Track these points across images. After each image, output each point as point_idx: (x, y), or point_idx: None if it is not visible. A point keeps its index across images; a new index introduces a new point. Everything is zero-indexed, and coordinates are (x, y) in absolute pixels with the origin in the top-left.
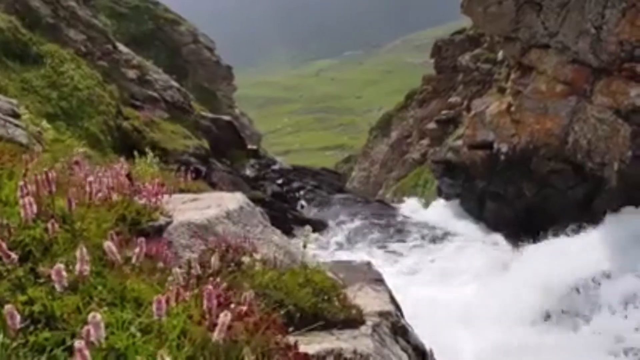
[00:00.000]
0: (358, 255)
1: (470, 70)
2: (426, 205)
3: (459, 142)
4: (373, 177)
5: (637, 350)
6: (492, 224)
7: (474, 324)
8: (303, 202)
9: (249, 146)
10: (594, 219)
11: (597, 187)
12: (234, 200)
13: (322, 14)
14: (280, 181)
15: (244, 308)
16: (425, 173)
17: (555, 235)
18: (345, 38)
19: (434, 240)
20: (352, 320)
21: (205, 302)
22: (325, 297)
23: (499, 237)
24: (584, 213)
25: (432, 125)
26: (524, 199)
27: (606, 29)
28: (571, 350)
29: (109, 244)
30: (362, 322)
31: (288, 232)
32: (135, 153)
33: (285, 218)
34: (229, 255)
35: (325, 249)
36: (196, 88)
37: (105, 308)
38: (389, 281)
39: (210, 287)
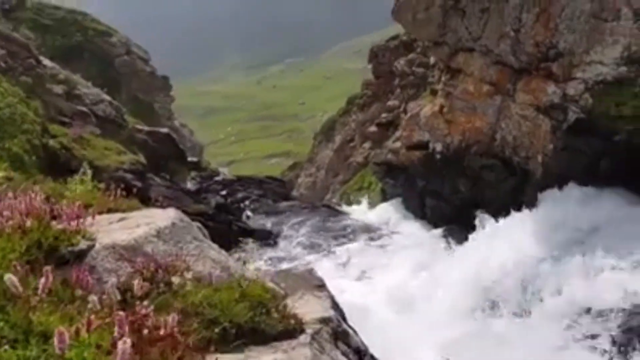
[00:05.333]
0: (305, 261)
1: (406, 75)
2: (371, 207)
3: (398, 144)
4: (319, 183)
5: (576, 330)
6: (433, 221)
7: (418, 317)
8: (248, 213)
9: (190, 158)
10: (524, 208)
11: (525, 179)
12: (165, 216)
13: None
14: (224, 192)
15: (161, 331)
16: (369, 175)
17: (489, 226)
18: (285, 46)
19: (379, 240)
20: (292, 331)
21: (116, 329)
22: (263, 310)
23: (439, 233)
24: (514, 204)
25: (373, 128)
26: (459, 194)
27: (524, 32)
28: (513, 335)
29: (9, 277)
30: (302, 331)
31: (234, 244)
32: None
33: (230, 230)
34: (158, 276)
35: (271, 258)
36: (131, 100)
37: (7, 347)
38: (335, 285)
39: (121, 313)
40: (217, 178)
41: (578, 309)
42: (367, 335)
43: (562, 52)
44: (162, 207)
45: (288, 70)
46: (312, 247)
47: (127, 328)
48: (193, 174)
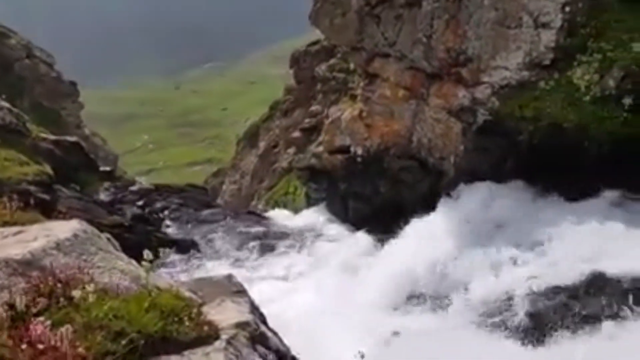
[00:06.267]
0: (227, 268)
1: (327, 80)
2: (296, 211)
3: (320, 149)
4: (245, 189)
5: (488, 318)
6: (356, 223)
7: (343, 315)
8: (168, 222)
9: (103, 168)
10: (439, 206)
11: (439, 179)
12: (66, 228)
13: (176, 26)
14: (141, 203)
15: (41, 346)
16: (294, 181)
17: (408, 225)
18: (203, 50)
19: (302, 244)
20: (206, 337)
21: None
22: (176, 319)
23: (361, 234)
24: (431, 203)
25: (296, 134)
26: (380, 195)
27: (435, 38)
28: (431, 328)
29: None
30: (217, 337)
31: (154, 255)
32: None
33: (149, 241)
34: (58, 290)
35: (192, 267)
36: (35, 107)
37: None
38: (257, 289)
39: None
40: (133, 188)
41: (489, 299)
42: (289, 337)
43: (470, 58)
44: (70, 219)
45: (208, 75)
46: (235, 254)
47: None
48: (106, 184)
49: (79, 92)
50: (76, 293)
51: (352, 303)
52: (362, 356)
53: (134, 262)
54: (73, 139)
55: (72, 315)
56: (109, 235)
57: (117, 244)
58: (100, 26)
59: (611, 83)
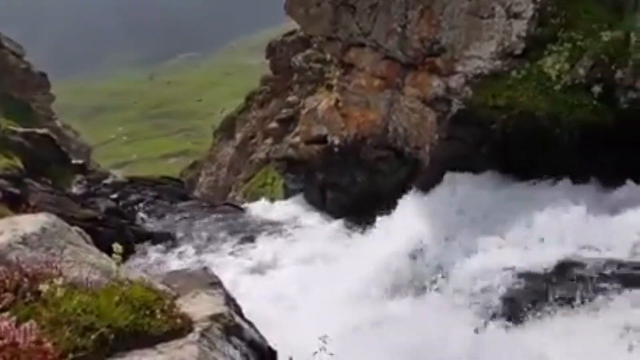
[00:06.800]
0: (203, 260)
1: (304, 70)
2: (273, 202)
3: (297, 139)
4: (222, 181)
5: (466, 305)
6: (334, 213)
7: (321, 306)
8: (143, 215)
9: (75, 161)
10: (416, 195)
11: (416, 168)
12: (33, 222)
13: (150, 16)
14: (114, 196)
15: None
16: (272, 172)
17: (386, 214)
18: (178, 40)
19: (280, 235)
20: (179, 330)
21: None
22: (147, 312)
23: (339, 224)
24: (408, 192)
25: (273, 124)
26: (357, 185)
27: (409, 28)
28: (409, 316)
29: None
30: (191, 330)
31: (130, 248)
32: None
33: (123, 235)
34: (25, 285)
35: (167, 260)
36: (4, 100)
37: None
38: (234, 281)
39: None
40: (106, 181)
41: (465, 286)
42: (265, 328)
43: (444, 48)
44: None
45: (183, 65)
46: (211, 246)
47: None
48: (79, 177)
49: (49, 84)
50: (44, 287)
51: (329, 292)
52: (325, 343)
53: (105, 255)
54: (43, 131)
55: (39, 311)
56: (79, 229)
57: (88, 237)
58: (72, 16)
59: (581, 72)
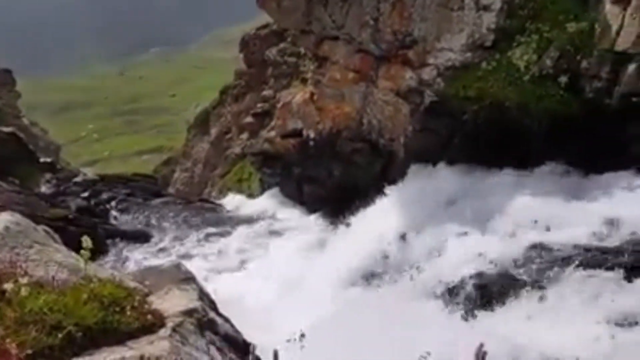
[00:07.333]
0: (178, 256)
1: (278, 64)
2: (250, 197)
3: (273, 133)
4: (197, 177)
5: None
6: (311, 206)
7: (302, 295)
8: (115, 213)
9: (43, 159)
10: (391, 187)
11: (390, 160)
12: None
13: (118, 10)
14: (86, 194)
15: None
16: (248, 167)
17: (362, 206)
18: (149, 35)
19: (256, 229)
20: (150, 326)
21: None
22: (117, 309)
23: (317, 217)
24: (383, 183)
25: (249, 119)
26: (334, 178)
27: (382, 21)
28: (386, 305)
29: None
30: (163, 325)
31: (102, 247)
32: None
33: (95, 233)
34: None
35: (141, 257)
36: None
37: None
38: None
39: None
40: (77, 179)
41: (440, 272)
42: (245, 321)
43: (416, 40)
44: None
45: (154, 60)
46: (185, 242)
47: None
48: (48, 176)
49: (15, 81)
50: (8, 287)
51: (306, 285)
52: (302, 335)
53: (74, 254)
54: (9, 129)
55: (3, 311)
56: (47, 228)
57: (57, 236)
58: (39, 9)
59: (548, 62)
